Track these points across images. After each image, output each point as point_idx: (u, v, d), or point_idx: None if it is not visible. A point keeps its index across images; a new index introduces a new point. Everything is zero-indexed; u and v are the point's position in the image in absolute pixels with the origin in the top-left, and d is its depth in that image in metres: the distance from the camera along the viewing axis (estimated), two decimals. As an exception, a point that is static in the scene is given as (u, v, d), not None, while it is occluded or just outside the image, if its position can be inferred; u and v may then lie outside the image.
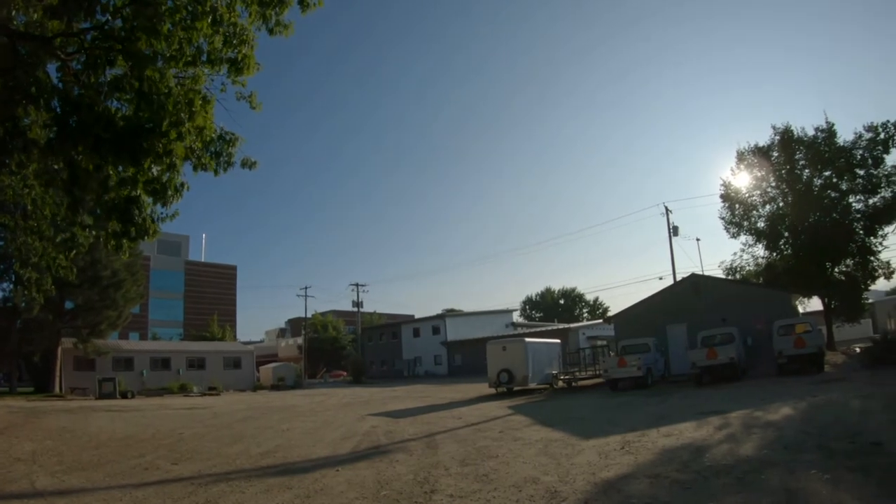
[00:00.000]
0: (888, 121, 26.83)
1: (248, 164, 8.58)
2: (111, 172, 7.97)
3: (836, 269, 30.82)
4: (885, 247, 29.89)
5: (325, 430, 15.74)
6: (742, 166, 33.47)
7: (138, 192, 8.07)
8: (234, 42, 7.61)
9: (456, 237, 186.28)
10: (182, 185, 8.16)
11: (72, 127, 7.44)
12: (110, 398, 33.90)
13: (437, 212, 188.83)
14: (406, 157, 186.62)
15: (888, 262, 30.37)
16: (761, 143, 32.74)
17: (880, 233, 29.41)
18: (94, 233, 8.95)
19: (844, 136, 30.18)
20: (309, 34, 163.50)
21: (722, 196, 34.15)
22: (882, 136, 27.31)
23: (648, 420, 13.43)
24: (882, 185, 28.58)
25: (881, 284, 36.61)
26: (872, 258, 29.95)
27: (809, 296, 34.01)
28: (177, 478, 9.59)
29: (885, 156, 28.11)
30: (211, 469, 10.29)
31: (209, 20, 7.14)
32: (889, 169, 28.12)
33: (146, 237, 8.41)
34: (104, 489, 8.82)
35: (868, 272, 30.33)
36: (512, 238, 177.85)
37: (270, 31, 7.84)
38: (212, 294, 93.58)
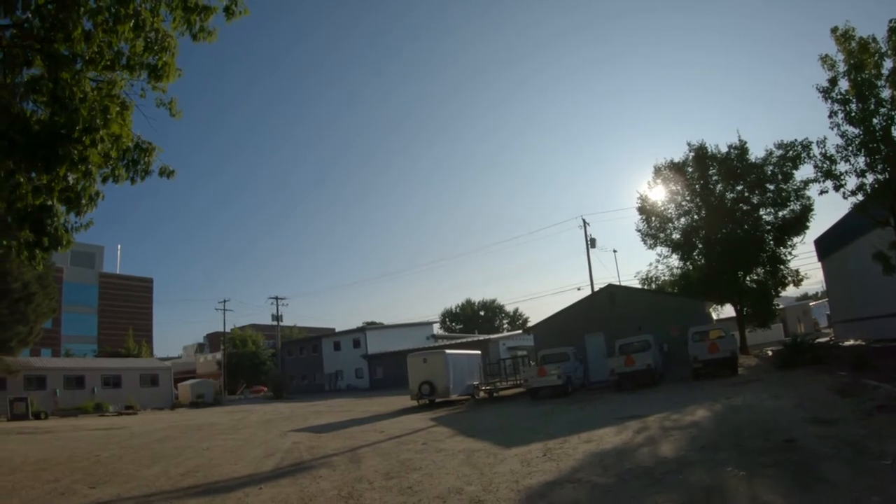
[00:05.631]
0: (796, 139, 28.37)
1: (166, 173, 8.28)
2: (22, 180, 7.59)
3: (748, 278, 32.23)
4: (794, 256, 31.81)
5: (247, 448, 15.40)
6: (658, 180, 34.63)
7: (53, 200, 7.72)
8: (156, 48, 7.39)
9: (377, 250, 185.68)
10: (97, 193, 7.85)
11: None
12: (23, 419, 32.10)
13: (358, 225, 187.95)
14: (328, 171, 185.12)
15: (797, 271, 32.24)
16: (677, 159, 33.97)
17: (789, 243, 31.16)
18: (4, 242, 8.49)
19: (756, 152, 31.74)
20: (238, 40, 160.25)
21: (639, 209, 35.30)
22: (791, 153, 28.62)
23: (569, 427, 13.67)
24: (791, 198, 30.19)
25: (791, 291, 38.68)
26: (782, 267, 31.62)
27: (723, 303, 35.69)
28: (95, 502, 9.23)
29: (794, 171, 29.63)
30: (130, 492, 9.91)
31: (131, 24, 6.92)
32: (798, 184, 29.65)
33: (60, 247, 8.05)
34: (18, 517, 8.40)
35: (778, 280, 32.01)
36: (432, 251, 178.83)
37: (194, 37, 7.61)
38: (127, 308, 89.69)
